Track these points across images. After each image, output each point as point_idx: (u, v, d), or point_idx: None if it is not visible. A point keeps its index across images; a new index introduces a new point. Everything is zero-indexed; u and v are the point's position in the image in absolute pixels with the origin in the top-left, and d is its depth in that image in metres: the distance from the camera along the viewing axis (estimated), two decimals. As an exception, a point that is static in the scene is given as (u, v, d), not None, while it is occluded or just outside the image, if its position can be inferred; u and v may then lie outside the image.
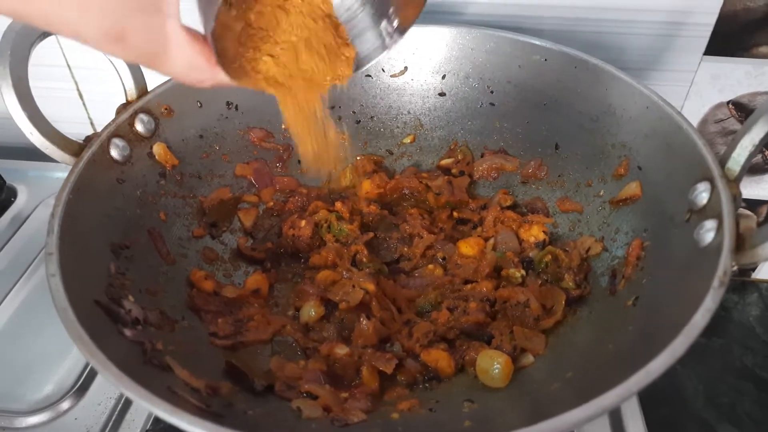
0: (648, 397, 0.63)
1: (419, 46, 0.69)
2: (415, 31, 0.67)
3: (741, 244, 0.40)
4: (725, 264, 0.39)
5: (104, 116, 0.90)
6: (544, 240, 0.63)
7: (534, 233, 0.63)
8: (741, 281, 0.84)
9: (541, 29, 0.70)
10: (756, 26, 0.65)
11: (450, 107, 0.71)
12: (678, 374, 0.73)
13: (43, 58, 0.84)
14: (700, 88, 0.71)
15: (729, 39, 0.67)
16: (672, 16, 0.66)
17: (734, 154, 0.44)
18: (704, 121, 0.74)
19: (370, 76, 0.70)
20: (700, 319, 0.36)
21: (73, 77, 0.86)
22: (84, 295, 0.44)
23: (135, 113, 0.58)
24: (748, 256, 0.39)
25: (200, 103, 0.64)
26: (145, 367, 0.44)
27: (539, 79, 0.64)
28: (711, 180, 0.45)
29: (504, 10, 0.69)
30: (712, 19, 0.66)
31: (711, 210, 0.44)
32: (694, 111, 0.73)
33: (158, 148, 0.60)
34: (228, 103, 0.66)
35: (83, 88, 0.87)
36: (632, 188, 0.56)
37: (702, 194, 0.45)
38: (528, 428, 0.32)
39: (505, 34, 0.64)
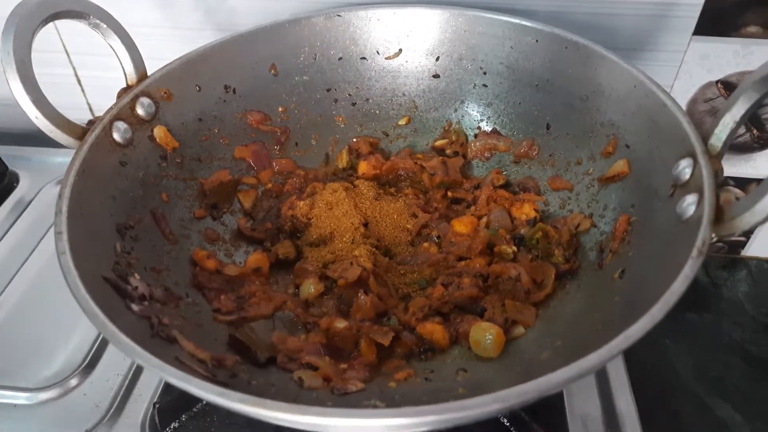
0: (638, 371, 0.65)
1: (413, 29, 0.70)
2: (410, 13, 0.69)
3: (720, 216, 0.42)
4: (704, 235, 0.40)
5: (102, 101, 0.91)
6: (535, 217, 0.64)
7: (525, 211, 0.65)
8: (731, 258, 0.86)
9: (535, 11, 0.71)
10: (744, 6, 0.66)
11: (444, 89, 0.72)
12: (668, 349, 0.75)
13: (41, 44, 0.83)
14: (690, 67, 0.72)
15: (717, 19, 0.68)
16: (662, -4, 0.67)
17: (716, 131, 0.46)
18: (694, 100, 0.75)
19: (365, 58, 0.72)
20: (679, 286, 0.38)
21: (71, 63, 0.87)
22: (92, 272, 0.45)
23: (136, 97, 0.59)
24: (726, 227, 0.41)
25: (199, 87, 0.65)
26: (153, 340, 0.45)
27: (531, 60, 0.66)
28: (694, 156, 0.46)
29: (498, -9, 0.71)
30: (701, 0, 0.67)
31: (693, 184, 0.45)
32: (684, 90, 0.75)
33: (159, 131, 0.61)
34: (226, 87, 0.67)
35: (81, 74, 0.88)
36: (620, 166, 0.58)
37: (685, 170, 0.47)
38: (515, 388, 0.34)
39: (497, 16, 0.66)
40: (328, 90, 0.72)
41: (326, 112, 0.73)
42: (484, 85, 0.70)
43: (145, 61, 0.61)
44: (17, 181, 0.87)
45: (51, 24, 0.54)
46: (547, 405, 0.59)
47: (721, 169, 0.45)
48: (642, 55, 0.73)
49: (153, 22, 0.80)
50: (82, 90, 0.90)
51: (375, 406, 0.44)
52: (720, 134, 0.45)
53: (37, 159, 0.89)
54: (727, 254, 0.87)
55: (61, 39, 0.84)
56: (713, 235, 0.41)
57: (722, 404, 0.69)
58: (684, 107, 0.75)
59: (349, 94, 0.73)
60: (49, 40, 0.83)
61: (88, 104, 0.92)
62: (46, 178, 0.87)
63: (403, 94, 0.74)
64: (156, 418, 0.59)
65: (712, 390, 0.70)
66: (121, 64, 0.60)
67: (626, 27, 0.71)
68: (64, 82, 0.89)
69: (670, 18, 0.69)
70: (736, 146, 0.77)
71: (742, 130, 0.75)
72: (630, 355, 0.66)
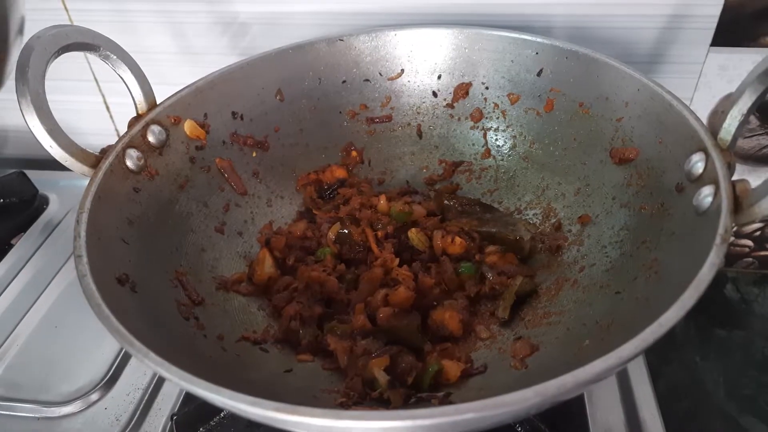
0: (667, 389, 0.64)
1: (414, 49, 0.70)
2: (410, 34, 0.70)
3: (738, 205, 0.41)
4: (725, 222, 0.40)
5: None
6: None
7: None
8: (762, 274, 0.84)
9: (551, 27, 0.72)
10: (761, 15, 0.66)
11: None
12: (699, 367, 0.73)
13: (70, 72, 0.88)
14: (709, 79, 0.72)
15: (735, 29, 0.68)
16: (678, 9, 0.68)
17: (725, 125, 0.46)
18: (714, 112, 0.75)
19: (368, 80, 0.72)
20: (707, 272, 0.38)
21: (100, 91, 0.90)
22: (112, 292, 0.46)
23: (147, 125, 0.60)
24: (746, 215, 0.41)
25: (206, 114, 0.65)
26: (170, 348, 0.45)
27: (532, 72, 0.66)
28: (704, 150, 0.46)
29: (514, 9, 0.71)
30: (717, 10, 0.67)
31: (707, 177, 0.45)
32: (704, 102, 0.74)
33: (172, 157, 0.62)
34: (233, 113, 0.67)
35: (110, 101, 0.92)
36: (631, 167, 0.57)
37: (697, 164, 0.47)
38: (570, 374, 0.33)
39: (496, 32, 0.66)
40: (333, 112, 0.73)
41: (332, 133, 0.74)
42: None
43: (156, 86, 0.61)
44: (47, 204, 0.90)
45: (81, 54, 0.56)
46: (568, 417, 0.58)
47: (734, 161, 0.45)
48: (661, 68, 0.73)
49: (166, 48, 0.82)
50: (111, 117, 0.93)
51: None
52: (729, 127, 0.45)
53: (65, 183, 0.93)
54: (758, 269, 0.85)
55: (91, 68, 0.87)
56: (733, 223, 0.41)
57: (756, 424, 0.67)
58: (705, 119, 0.74)
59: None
60: (78, 68, 0.87)
61: (116, 130, 0.95)
62: (74, 201, 0.89)
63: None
64: (174, 430, 0.59)
65: (744, 409, 0.68)
66: (131, 93, 0.60)
67: (644, 40, 0.71)
68: (94, 109, 0.92)
69: (687, 30, 0.69)
70: (761, 158, 0.76)
71: (766, 141, 0.73)
72: (658, 372, 0.64)
